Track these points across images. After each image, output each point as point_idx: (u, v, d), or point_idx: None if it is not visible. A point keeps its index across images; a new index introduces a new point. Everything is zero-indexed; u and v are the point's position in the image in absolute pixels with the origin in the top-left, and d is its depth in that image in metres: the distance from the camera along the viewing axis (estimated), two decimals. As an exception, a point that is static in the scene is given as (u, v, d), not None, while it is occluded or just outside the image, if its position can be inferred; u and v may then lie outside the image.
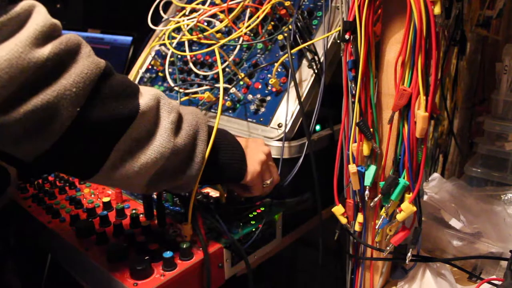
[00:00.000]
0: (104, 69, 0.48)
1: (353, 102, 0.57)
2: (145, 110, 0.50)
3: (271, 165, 0.68)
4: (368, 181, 0.59)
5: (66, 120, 0.45)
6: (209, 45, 0.91)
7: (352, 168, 0.59)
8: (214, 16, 0.96)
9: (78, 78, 0.45)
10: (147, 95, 0.52)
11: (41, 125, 0.44)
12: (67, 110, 0.44)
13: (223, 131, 0.64)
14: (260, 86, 0.84)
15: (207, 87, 0.90)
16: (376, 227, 0.60)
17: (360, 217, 0.63)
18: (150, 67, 1.07)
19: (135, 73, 1.07)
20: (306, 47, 0.78)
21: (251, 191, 0.66)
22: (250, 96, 0.83)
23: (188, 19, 0.97)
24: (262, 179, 0.66)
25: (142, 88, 0.53)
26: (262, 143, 0.69)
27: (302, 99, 0.75)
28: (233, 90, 0.85)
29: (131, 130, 0.49)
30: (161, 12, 1.05)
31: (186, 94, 0.93)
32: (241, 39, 0.88)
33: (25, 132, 0.44)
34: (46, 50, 0.43)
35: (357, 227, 0.64)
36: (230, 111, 0.85)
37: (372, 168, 0.59)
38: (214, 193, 0.80)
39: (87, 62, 0.46)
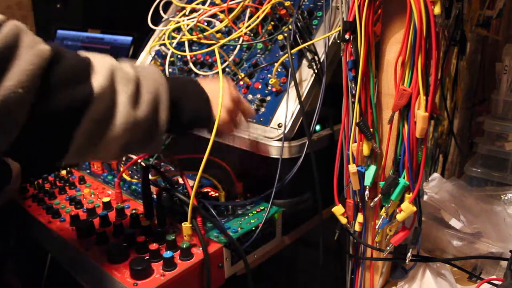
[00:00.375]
0: (50, 58, 0.46)
1: (353, 102, 0.57)
2: (99, 91, 0.49)
3: (242, 108, 0.68)
4: (368, 181, 0.59)
5: (21, 117, 0.44)
6: (209, 45, 0.91)
7: (352, 168, 0.59)
8: (214, 16, 0.96)
9: (23, 77, 0.43)
10: (100, 72, 0.50)
11: None
12: (19, 110, 0.43)
13: (185, 84, 0.63)
14: (260, 86, 0.84)
15: (207, 87, 0.90)
16: (376, 227, 0.60)
17: (360, 217, 0.63)
18: (150, 67, 1.07)
19: (135, 73, 1.07)
20: (306, 47, 0.78)
21: (222, 135, 0.67)
22: (250, 96, 0.83)
23: (188, 19, 0.97)
24: (233, 123, 0.66)
25: (96, 61, 0.51)
26: (230, 87, 0.67)
27: (302, 99, 0.75)
28: (233, 90, 0.85)
29: (89, 113, 0.48)
30: (161, 12, 1.05)
31: (186, 94, 0.93)
32: (241, 39, 0.88)
33: None
34: None
35: (357, 227, 0.64)
36: (230, 111, 0.85)
37: (372, 168, 0.59)
38: (213, 193, 0.80)
39: (29, 56, 0.44)
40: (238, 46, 0.90)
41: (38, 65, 0.44)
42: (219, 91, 0.63)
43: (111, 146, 0.52)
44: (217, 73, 0.89)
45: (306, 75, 0.79)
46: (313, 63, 0.78)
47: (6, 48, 0.43)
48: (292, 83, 0.76)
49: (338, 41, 0.59)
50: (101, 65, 0.51)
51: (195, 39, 0.97)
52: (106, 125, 0.50)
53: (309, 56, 0.78)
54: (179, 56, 0.99)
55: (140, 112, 0.53)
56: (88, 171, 0.94)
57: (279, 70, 0.82)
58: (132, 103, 0.52)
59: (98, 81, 0.49)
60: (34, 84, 0.44)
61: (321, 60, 0.78)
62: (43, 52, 0.45)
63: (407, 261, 0.60)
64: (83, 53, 0.52)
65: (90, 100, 0.48)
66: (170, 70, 0.99)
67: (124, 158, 0.90)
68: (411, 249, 0.59)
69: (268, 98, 0.81)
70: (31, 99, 0.44)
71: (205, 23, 0.97)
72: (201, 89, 0.63)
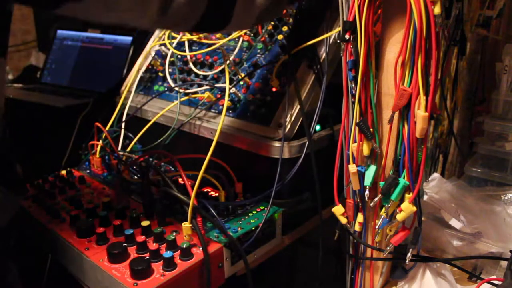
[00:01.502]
0: None
1: (353, 102, 0.57)
2: None
3: None
4: (368, 181, 0.59)
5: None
6: (209, 45, 0.91)
7: (352, 168, 0.59)
8: (214, 16, 0.96)
9: None
10: None
11: (188, 14, 0.57)
12: None
13: None
14: (260, 86, 0.84)
15: (207, 87, 0.90)
16: (376, 227, 0.60)
17: (360, 217, 0.63)
18: (150, 67, 1.07)
19: (135, 73, 1.07)
20: (306, 47, 0.78)
21: None
22: (250, 96, 0.83)
23: (188, 19, 0.97)
24: None
25: None
26: None
27: (302, 99, 0.75)
28: (233, 90, 0.85)
29: None
30: (161, 12, 1.05)
31: (186, 94, 0.93)
32: (241, 39, 0.88)
33: (181, 20, 0.58)
34: None
35: (357, 227, 0.64)
36: (230, 111, 0.85)
37: (372, 168, 0.59)
38: (213, 193, 0.80)
39: None
40: (238, 46, 0.90)
41: None
42: None
43: (254, 13, 0.63)
44: (217, 73, 0.90)
45: (306, 75, 0.79)
46: (313, 63, 0.78)
47: None
48: (292, 83, 0.76)
49: (338, 41, 0.59)
50: None
51: (195, 39, 0.97)
52: None
53: (309, 56, 0.78)
54: (179, 56, 0.99)
55: None
56: (88, 171, 0.94)
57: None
58: None
59: None
60: None
61: (321, 60, 0.78)
62: None
63: (407, 261, 0.60)
64: None
65: None
66: (170, 70, 0.99)
67: (124, 158, 0.90)
68: (411, 249, 0.59)
69: (268, 98, 0.81)
70: None
71: (205, 23, 0.97)
72: None
